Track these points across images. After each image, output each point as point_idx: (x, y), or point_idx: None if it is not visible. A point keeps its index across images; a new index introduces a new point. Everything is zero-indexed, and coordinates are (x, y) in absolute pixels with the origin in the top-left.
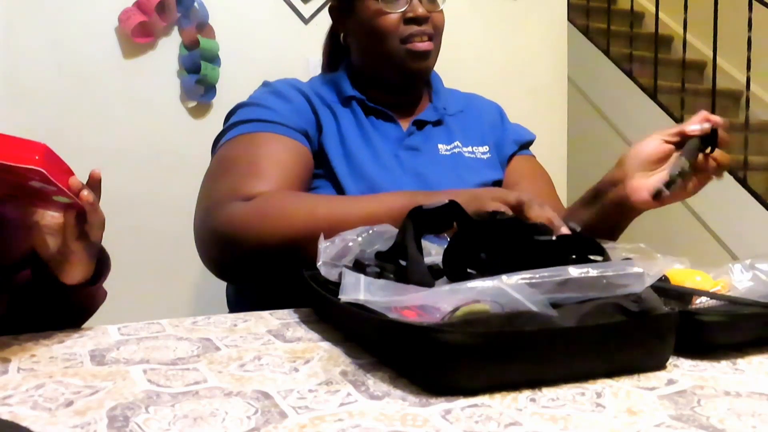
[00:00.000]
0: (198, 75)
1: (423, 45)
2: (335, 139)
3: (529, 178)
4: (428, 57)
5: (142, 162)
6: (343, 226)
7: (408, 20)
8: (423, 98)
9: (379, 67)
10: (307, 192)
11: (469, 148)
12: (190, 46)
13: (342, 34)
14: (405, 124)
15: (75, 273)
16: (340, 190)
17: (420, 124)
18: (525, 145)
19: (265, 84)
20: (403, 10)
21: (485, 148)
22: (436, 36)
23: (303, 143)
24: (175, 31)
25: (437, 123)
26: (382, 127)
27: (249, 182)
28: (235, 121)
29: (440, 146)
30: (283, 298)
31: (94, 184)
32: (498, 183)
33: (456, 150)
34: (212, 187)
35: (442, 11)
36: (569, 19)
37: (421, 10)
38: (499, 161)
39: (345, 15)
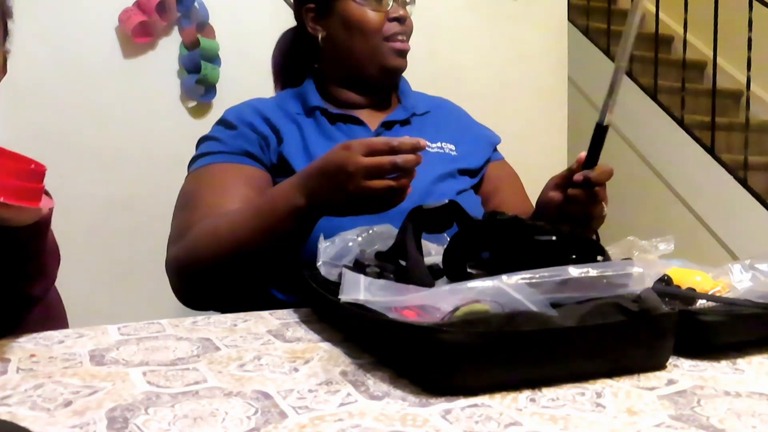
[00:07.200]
0: (198, 75)
1: (403, 45)
2: (298, 148)
3: (508, 185)
4: (405, 56)
5: (142, 162)
6: (241, 233)
7: (391, 19)
8: (392, 100)
9: (359, 65)
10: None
11: (438, 144)
12: (190, 46)
13: (320, 36)
14: (374, 126)
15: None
16: None
17: (388, 125)
18: (496, 147)
19: (224, 113)
20: (387, 9)
21: (452, 146)
22: (408, 39)
23: (246, 163)
24: (175, 31)
25: (405, 122)
26: (350, 131)
27: (191, 218)
28: (193, 157)
29: None
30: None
31: None
32: (467, 170)
33: None
34: (172, 225)
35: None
36: (569, 19)
37: (402, 11)
38: (480, 153)
39: (321, 16)
